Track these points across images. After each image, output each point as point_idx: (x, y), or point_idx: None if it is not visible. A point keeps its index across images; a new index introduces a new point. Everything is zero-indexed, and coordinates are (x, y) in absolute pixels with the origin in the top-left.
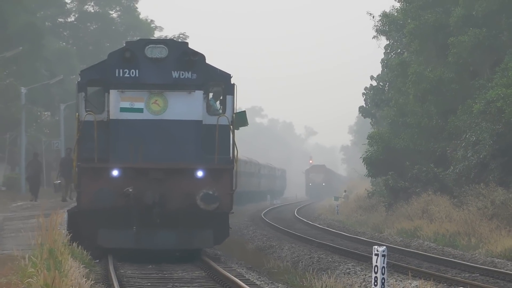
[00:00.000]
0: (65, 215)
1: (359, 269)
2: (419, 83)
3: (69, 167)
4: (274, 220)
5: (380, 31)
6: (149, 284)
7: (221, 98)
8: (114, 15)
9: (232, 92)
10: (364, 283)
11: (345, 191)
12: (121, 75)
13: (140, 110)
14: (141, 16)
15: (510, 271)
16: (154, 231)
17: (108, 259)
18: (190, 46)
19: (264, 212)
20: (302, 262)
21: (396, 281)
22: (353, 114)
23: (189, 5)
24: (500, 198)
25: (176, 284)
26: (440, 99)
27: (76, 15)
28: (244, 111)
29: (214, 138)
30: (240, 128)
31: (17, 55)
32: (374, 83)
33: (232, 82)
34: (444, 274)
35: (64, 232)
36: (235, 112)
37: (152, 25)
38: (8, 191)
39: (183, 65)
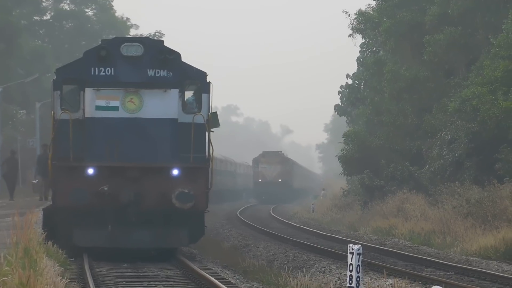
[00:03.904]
0: (41, 214)
1: (334, 268)
2: (394, 81)
3: (45, 165)
4: (249, 218)
5: (356, 30)
6: (124, 282)
7: (197, 96)
8: (90, 13)
9: (208, 90)
10: (339, 281)
11: (323, 189)
12: (96, 73)
13: (115, 109)
14: (117, 14)
15: (485, 269)
16: (129, 229)
17: (84, 258)
18: (166, 44)
19: (239, 210)
20: (277, 260)
21: (371, 279)
22: (329, 113)
23: (164, 1)
24: (475, 197)
25: (151, 283)
26: (415, 98)
27: (52, 13)
28: (215, 112)
29: (190, 136)
30: (212, 129)
31: None
32: (350, 81)
33: (208, 81)
34: (419, 272)
35: (39, 231)
36: (210, 110)
37: (128, 23)
38: None
39: (158, 64)
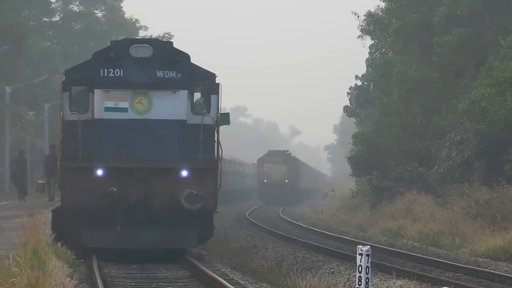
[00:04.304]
0: (50, 215)
1: (343, 269)
2: (403, 82)
3: (53, 165)
4: (258, 219)
5: (365, 31)
6: (133, 283)
7: (206, 97)
8: (99, 14)
9: (217, 91)
10: (348, 283)
11: (332, 190)
12: (105, 74)
13: (124, 110)
14: (126, 16)
15: (494, 270)
16: (138, 230)
17: (92, 258)
18: (175, 45)
19: (248, 211)
20: (286, 261)
21: (380, 280)
22: (338, 114)
23: (174, 3)
24: (484, 198)
25: (160, 284)
26: (424, 99)
27: (61, 15)
28: (228, 113)
29: (199, 137)
30: (221, 126)
31: (1, 54)
32: (359, 82)
33: (216, 82)
34: (428, 273)
35: (48, 231)
36: (219, 111)
37: (137, 25)
38: None
39: (167, 65)
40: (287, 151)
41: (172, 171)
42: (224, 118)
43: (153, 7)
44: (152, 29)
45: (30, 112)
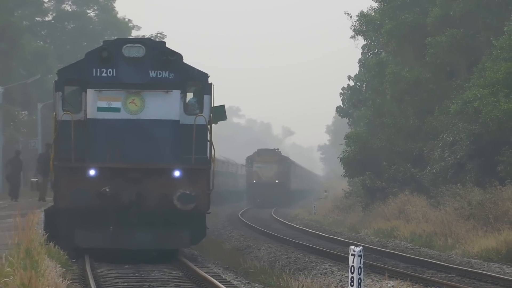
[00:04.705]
0: (42, 215)
1: (336, 269)
2: (396, 83)
3: (47, 164)
4: (251, 220)
5: (357, 31)
6: (126, 284)
7: (198, 97)
8: (92, 14)
9: (210, 91)
10: (340, 283)
11: (325, 191)
12: (98, 74)
13: (117, 110)
14: (118, 15)
15: (486, 271)
16: (131, 231)
17: (85, 259)
18: (168, 45)
19: (241, 212)
20: (279, 262)
21: (372, 281)
22: (331, 114)
23: (170, 4)
24: (477, 199)
25: (153, 284)
26: (417, 99)
27: (54, 14)
28: (223, 105)
29: (191, 138)
30: (219, 122)
31: None
32: (352, 83)
33: (209, 82)
34: (421, 274)
35: (41, 231)
36: (213, 106)
37: (130, 24)
38: None
39: (160, 65)
40: (278, 149)
41: (165, 172)
42: (220, 112)
43: (152, 7)
44: (146, 29)
45: (23, 112)
